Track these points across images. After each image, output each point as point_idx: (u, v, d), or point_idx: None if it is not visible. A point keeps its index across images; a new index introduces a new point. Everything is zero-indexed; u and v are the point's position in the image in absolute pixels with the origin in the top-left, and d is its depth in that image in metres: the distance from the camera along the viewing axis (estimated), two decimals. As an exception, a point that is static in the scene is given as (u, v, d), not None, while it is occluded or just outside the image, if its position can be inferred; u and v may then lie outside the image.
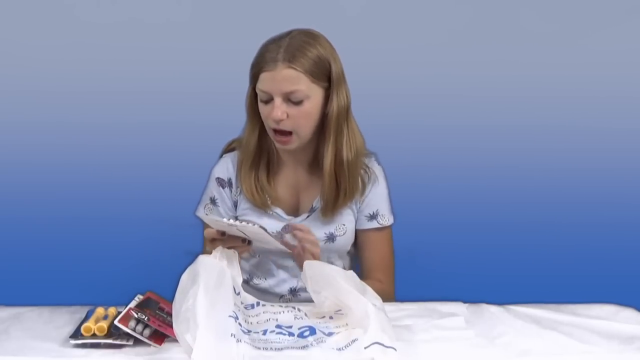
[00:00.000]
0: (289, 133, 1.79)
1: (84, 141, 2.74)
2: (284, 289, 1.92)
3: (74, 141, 2.74)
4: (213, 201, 1.92)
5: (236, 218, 1.90)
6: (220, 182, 1.92)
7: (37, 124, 2.73)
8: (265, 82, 1.76)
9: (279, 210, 1.89)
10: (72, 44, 2.71)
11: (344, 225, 1.90)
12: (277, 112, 1.75)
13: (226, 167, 1.92)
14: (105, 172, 2.72)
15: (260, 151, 1.88)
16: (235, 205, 1.92)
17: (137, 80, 2.69)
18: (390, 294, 1.93)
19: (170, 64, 2.69)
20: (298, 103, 1.76)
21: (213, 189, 1.93)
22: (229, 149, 1.96)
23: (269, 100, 1.77)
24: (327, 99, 1.81)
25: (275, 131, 1.79)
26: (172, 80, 2.69)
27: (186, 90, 2.70)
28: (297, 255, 1.74)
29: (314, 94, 1.78)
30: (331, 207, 1.86)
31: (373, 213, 1.92)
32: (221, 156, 1.96)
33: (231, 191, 1.92)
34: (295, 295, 1.92)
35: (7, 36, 2.70)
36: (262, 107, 1.80)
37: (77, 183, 2.73)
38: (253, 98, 1.83)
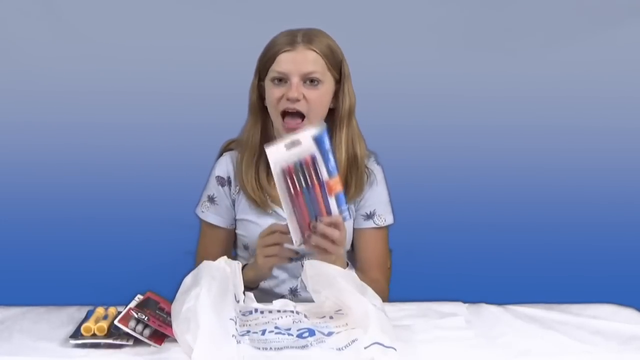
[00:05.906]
0: (301, 117, 1.79)
1: (84, 141, 2.74)
2: (284, 289, 1.92)
3: (74, 141, 2.74)
4: (211, 199, 1.93)
5: (235, 219, 1.91)
6: (220, 180, 1.92)
7: (38, 124, 2.73)
8: (284, 63, 1.77)
9: (278, 209, 1.89)
10: (71, 44, 2.72)
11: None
12: (294, 92, 1.76)
13: (225, 166, 1.93)
14: (105, 172, 2.72)
15: (261, 148, 1.87)
16: (233, 204, 1.92)
17: (137, 80, 2.69)
18: (385, 293, 1.93)
19: (171, 64, 2.69)
20: (315, 85, 1.78)
21: (212, 188, 1.93)
22: (227, 149, 1.97)
23: (283, 81, 1.78)
24: (335, 93, 1.83)
25: (287, 114, 1.79)
26: (172, 80, 2.69)
27: (186, 91, 2.70)
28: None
29: (327, 81, 1.80)
30: None
31: (370, 213, 1.92)
32: (219, 156, 1.97)
33: (230, 189, 1.92)
34: (295, 296, 1.92)
35: (7, 36, 2.71)
36: (274, 90, 1.79)
37: (77, 183, 2.73)
38: (258, 91, 1.84)
